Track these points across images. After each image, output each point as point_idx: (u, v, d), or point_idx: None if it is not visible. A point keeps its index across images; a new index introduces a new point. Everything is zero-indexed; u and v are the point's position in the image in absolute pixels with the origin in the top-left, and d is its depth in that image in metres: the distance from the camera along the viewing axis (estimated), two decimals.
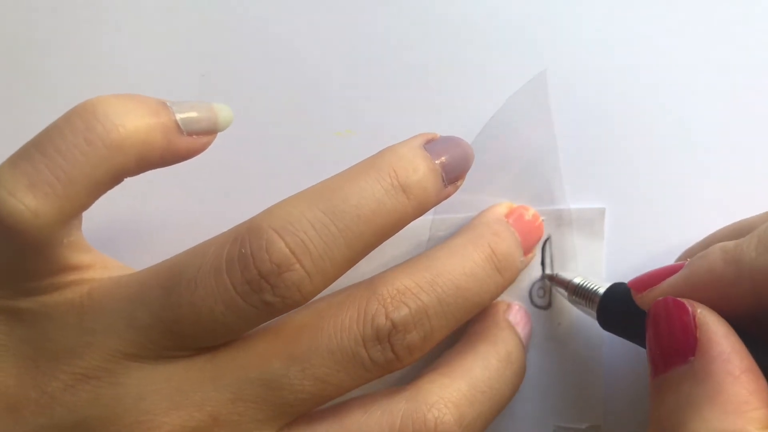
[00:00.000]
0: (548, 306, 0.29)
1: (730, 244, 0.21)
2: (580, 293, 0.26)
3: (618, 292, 0.25)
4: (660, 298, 0.21)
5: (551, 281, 0.28)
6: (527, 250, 0.27)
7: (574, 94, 0.28)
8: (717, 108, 0.28)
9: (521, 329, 0.27)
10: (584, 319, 0.28)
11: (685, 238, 0.28)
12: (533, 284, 0.29)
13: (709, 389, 0.19)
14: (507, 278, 0.25)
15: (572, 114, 0.28)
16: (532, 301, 0.29)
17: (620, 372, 0.28)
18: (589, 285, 0.26)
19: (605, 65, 0.28)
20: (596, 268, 0.28)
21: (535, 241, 0.28)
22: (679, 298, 0.21)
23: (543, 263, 0.29)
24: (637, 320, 0.23)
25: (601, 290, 0.25)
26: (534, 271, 0.29)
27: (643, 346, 0.22)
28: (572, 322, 0.28)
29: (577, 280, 0.27)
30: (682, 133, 0.28)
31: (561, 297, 0.28)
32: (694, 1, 0.28)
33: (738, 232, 0.24)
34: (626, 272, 0.28)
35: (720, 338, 0.20)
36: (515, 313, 0.28)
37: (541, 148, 0.28)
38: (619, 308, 0.24)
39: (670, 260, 0.28)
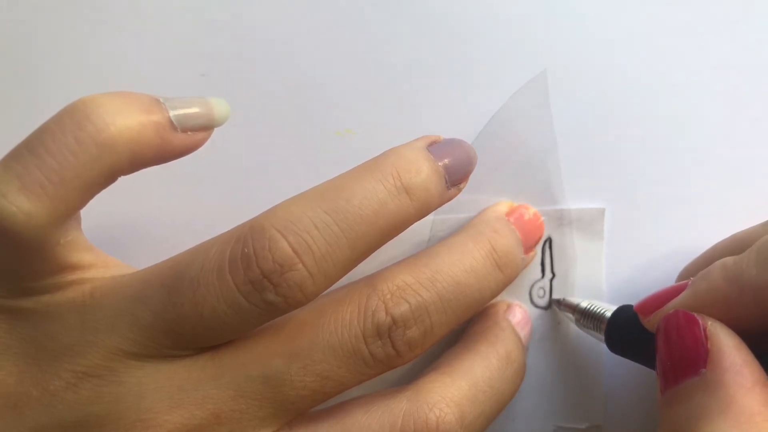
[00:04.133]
0: (548, 306, 0.29)
1: (730, 261, 0.21)
2: (587, 317, 0.26)
3: (624, 315, 0.25)
4: (671, 312, 0.21)
5: (558, 306, 0.28)
6: (528, 249, 0.27)
7: (574, 94, 0.28)
8: (717, 108, 0.28)
9: (521, 329, 0.27)
10: None
11: (685, 238, 0.28)
12: (533, 284, 0.29)
13: (721, 400, 0.19)
14: (507, 275, 0.25)
15: (572, 114, 0.28)
16: (532, 301, 0.29)
17: (620, 372, 0.28)
18: (595, 309, 0.26)
19: (605, 65, 0.28)
20: (596, 268, 0.28)
21: (536, 240, 0.28)
22: (689, 312, 0.21)
23: (543, 263, 0.29)
24: (644, 342, 0.23)
25: (608, 314, 0.26)
26: (534, 272, 0.29)
27: (651, 367, 0.22)
28: (572, 322, 0.28)
29: (584, 305, 0.27)
30: (682, 133, 0.28)
31: (569, 321, 0.28)
32: (695, 0, 0.28)
33: (738, 244, 0.25)
34: (626, 272, 0.28)
35: (731, 350, 0.20)
36: (515, 313, 0.28)
37: (541, 148, 0.28)
38: (626, 331, 0.25)
39: (670, 261, 0.28)
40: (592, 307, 0.26)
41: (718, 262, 0.21)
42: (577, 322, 0.27)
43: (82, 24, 0.29)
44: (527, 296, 0.29)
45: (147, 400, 0.21)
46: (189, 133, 0.22)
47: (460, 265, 0.24)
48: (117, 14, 0.29)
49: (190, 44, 0.29)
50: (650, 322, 0.23)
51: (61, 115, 0.20)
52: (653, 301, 0.23)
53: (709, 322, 0.20)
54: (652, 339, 0.22)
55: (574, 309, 0.27)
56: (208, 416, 0.21)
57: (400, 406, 0.23)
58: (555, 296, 0.29)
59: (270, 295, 0.20)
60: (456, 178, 0.24)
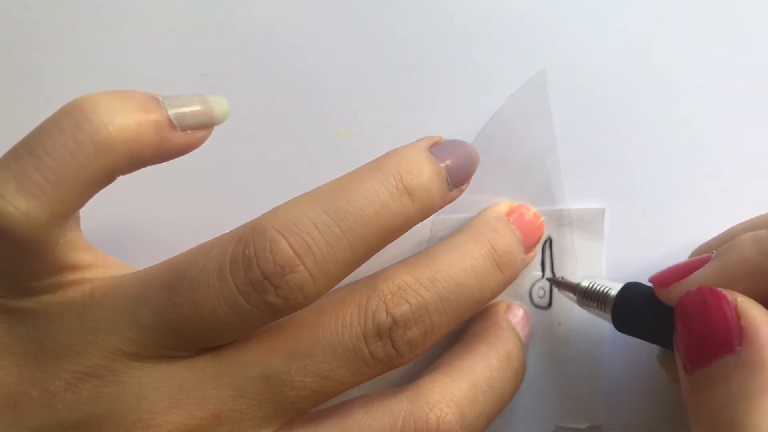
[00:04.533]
0: (548, 306, 0.29)
1: (763, 232, 0.20)
2: (590, 296, 0.26)
3: (633, 292, 0.24)
4: (692, 290, 0.21)
5: (557, 286, 0.28)
6: (528, 249, 0.27)
7: (574, 94, 0.28)
8: (717, 107, 0.28)
9: (521, 329, 0.27)
10: (584, 319, 0.28)
11: (686, 238, 0.28)
12: (533, 284, 0.29)
13: (764, 379, 0.18)
14: (508, 275, 0.25)
15: (572, 114, 0.28)
16: (532, 301, 0.29)
17: (620, 372, 0.28)
18: (598, 287, 0.26)
19: (605, 65, 0.28)
20: (596, 268, 0.28)
21: (536, 240, 0.28)
22: (715, 288, 0.20)
23: (543, 263, 0.29)
24: (656, 319, 0.22)
25: (613, 292, 0.25)
26: (534, 272, 0.29)
27: (663, 345, 0.22)
28: (572, 322, 0.28)
29: (585, 283, 0.26)
30: (682, 133, 0.28)
31: (567, 299, 0.28)
32: (695, 1, 0.28)
33: (759, 224, 0.24)
34: (626, 272, 0.28)
35: (766, 326, 0.19)
36: (515, 313, 0.28)
37: (541, 147, 0.28)
38: (635, 308, 0.24)
39: (670, 260, 0.27)
40: (594, 286, 0.26)
41: (747, 234, 0.21)
42: (579, 302, 0.26)
43: (82, 24, 0.29)
44: (527, 296, 0.29)
45: (147, 401, 0.21)
46: (188, 131, 0.22)
47: (460, 265, 0.24)
48: (117, 14, 0.29)
49: (190, 44, 0.29)
50: (669, 293, 0.22)
51: (59, 114, 0.20)
52: (671, 273, 0.22)
53: (739, 298, 0.20)
54: (664, 315, 0.21)
55: (575, 288, 0.26)
56: (208, 416, 0.21)
57: (400, 407, 0.23)
58: (554, 303, 0.28)
59: (271, 297, 0.20)
60: (458, 179, 0.24)
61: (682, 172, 0.28)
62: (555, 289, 0.28)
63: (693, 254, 0.27)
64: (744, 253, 0.21)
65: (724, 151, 0.28)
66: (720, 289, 0.20)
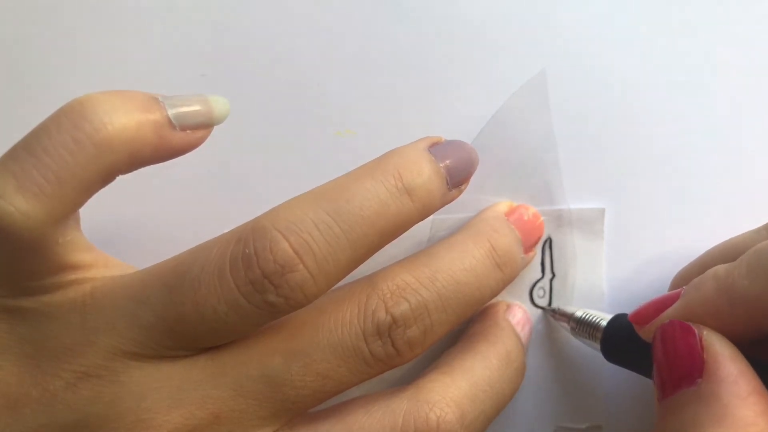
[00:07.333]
0: (548, 306, 0.29)
1: (722, 270, 0.21)
2: (582, 326, 0.26)
3: (620, 324, 0.25)
4: (666, 321, 0.21)
5: (553, 315, 0.28)
6: (527, 249, 0.27)
7: (573, 94, 0.28)
8: (717, 108, 0.28)
9: (521, 329, 0.27)
10: None
11: (685, 239, 0.28)
12: (533, 284, 0.29)
13: (717, 411, 0.19)
14: (507, 274, 0.25)
15: (572, 114, 0.28)
16: (532, 301, 0.29)
17: (620, 372, 0.28)
18: (590, 318, 0.26)
19: (605, 65, 0.28)
20: (596, 268, 0.28)
21: (536, 239, 0.28)
22: (684, 322, 0.21)
23: (543, 263, 0.29)
24: (641, 351, 0.23)
25: (603, 323, 0.25)
26: (534, 272, 0.29)
27: (648, 376, 0.22)
28: None
29: (578, 314, 0.27)
30: (682, 133, 0.28)
31: (566, 300, 0.28)
32: (695, 1, 0.28)
33: (731, 250, 0.25)
34: (626, 272, 0.28)
35: (726, 360, 0.20)
36: (515, 313, 0.28)
37: (541, 147, 0.28)
38: (622, 340, 0.25)
39: (670, 261, 0.28)
40: (587, 317, 0.26)
41: (710, 271, 0.21)
42: (573, 330, 0.27)
43: (82, 24, 0.29)
44: (527, 296, 0.29)
45: (147, 401, 0.21)
46: (188, 131, 0.22)
47: (459, 264, 0.24)
48: (117, 14, 0.29)
49: (190, 44, 0.29)
50: (646, 332, 0.23)
51: (58, 114, 0.20)
52: (647, 311, 0.23)
53: (705, 332, 0.20)
54: (648, 348, 0.22)
55: (569, 318, 0.27)
56: (208, 416, 0.21)
57: (400, 406, 0.23)
58: (554, 302, 0.29)
59: (271, 296, 0.20)
60: (457, 179, 0.24)
61: (682, 172, 0.28)
62: (554, 289, 0.28)
63: (672, 282, 0.27)
64: (706, 293, 0.21)
65: (724, 151, 0.28)
66: (690, 323, 0.21)
